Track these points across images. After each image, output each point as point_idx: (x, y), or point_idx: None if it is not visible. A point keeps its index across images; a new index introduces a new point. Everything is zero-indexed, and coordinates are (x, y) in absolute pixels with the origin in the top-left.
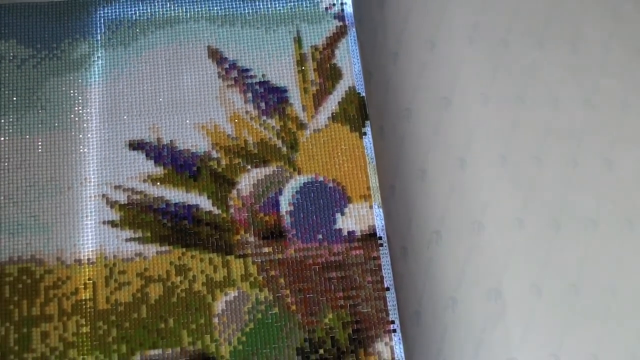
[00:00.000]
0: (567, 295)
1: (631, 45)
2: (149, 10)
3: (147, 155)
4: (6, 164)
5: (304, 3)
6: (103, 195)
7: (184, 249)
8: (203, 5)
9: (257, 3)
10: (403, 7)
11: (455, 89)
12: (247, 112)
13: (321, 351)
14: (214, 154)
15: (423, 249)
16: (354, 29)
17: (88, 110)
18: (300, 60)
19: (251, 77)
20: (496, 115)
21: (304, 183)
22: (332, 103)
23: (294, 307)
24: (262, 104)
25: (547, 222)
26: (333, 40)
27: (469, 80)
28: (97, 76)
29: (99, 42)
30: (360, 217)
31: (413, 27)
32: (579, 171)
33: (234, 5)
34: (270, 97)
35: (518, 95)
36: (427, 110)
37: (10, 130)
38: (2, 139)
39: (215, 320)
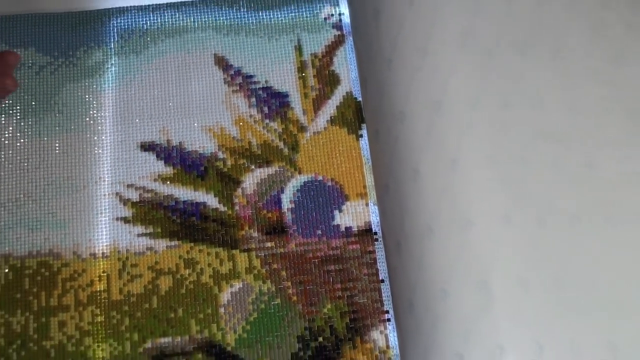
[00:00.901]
0: (551, 288)
1: (610, 52)
2: (159, 20)
3: (157, 156)
4: (26, 164)
5: (304, 13)
6: (116, 194)
7: (192, 244)
8: (210, 16)
9: (260, 13)
10: (397, 17)
11: (446, 93)
12: (251, 115)
13: (320, 339)
14: (220, 155)
15: (416, 244)
16: (351, 38)
17: (102, 114)
18: (301, 67)
19: (255, 82)
20: (485, 118)
21: (304, 182)
22: (330, 107)
23: (295, 298)
24: (265, 108)
25: (533, 218)
26: (331, 49)
27: (459, 85)
28: (110, 82)
29: (113, 50)
30: (357, 213)
31: (406, 35)
32: (562, 171)
33: (239, 16)
34: (273, 102)
35: (505, 99)
36: (419, 113)
37: (30, 133)
38: (22, 140)
39: (222, 310)
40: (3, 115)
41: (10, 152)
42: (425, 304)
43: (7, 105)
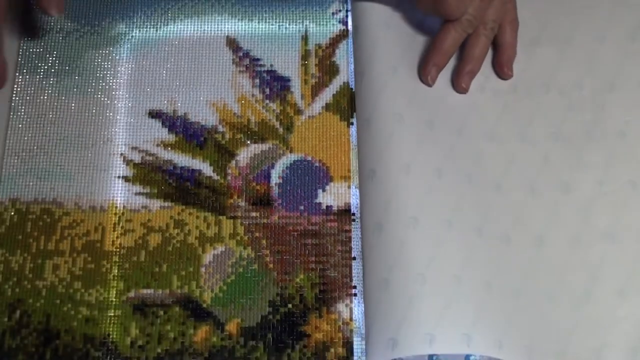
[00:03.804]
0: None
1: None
2: (180, 1)
3: (162, 124)
4: (43, 118)
5: (313, 7)
6: (121, 154)
7: (183, 206)
8: (227, 1)
9: (273, 4)
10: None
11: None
12: (253, 95)
13: (290, 306)
14: (220, 128)
15: (399, 230)
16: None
17: (117, 80)
18: (305, 55)
19: (261, 65)
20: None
21: (294, 160)
22: (327, 94)
23: (271, 266)
24: (267, 90)
25: (499, 235)
26: (335, 41)
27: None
28: (128, 52)
29: (134, 24)
30: (338, 194)
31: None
32: (536, 196)
33: (254, 3)
34: (275, 84)
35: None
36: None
37: (50, 91)
38: (42, 97)
39: (203, 269)
40: (27, 74)
41: (30, 107)
42: (402, 284)
43: (33, 65)
